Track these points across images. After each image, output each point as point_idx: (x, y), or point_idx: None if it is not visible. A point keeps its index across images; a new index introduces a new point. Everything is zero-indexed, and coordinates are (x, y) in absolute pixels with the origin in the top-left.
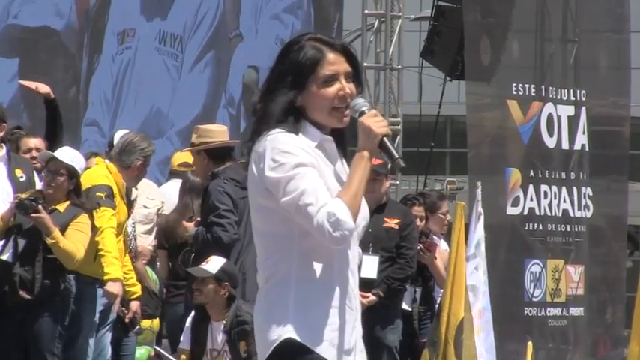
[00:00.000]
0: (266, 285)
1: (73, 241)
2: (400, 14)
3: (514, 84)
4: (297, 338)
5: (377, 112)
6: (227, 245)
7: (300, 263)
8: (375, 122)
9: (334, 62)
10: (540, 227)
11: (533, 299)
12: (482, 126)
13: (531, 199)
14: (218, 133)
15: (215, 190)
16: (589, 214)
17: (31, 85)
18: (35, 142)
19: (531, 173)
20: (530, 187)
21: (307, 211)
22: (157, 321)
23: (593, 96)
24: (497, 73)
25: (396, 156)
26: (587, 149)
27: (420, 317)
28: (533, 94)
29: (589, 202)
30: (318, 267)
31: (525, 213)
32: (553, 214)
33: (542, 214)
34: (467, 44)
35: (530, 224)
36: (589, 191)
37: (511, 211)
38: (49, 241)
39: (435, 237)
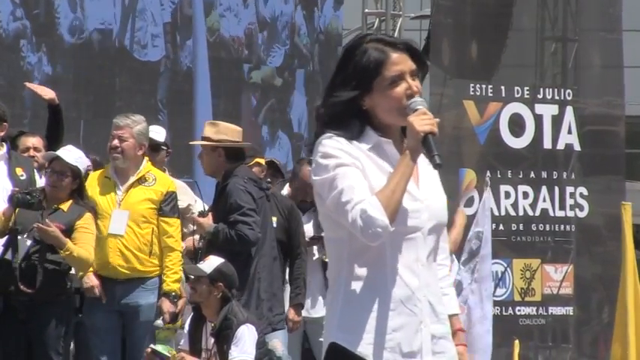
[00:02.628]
0: (329, 290)
1: (83, 244)
2: (400, 13)
3: (471, 85)
4: (340, 342)
5: (426, 110)
6: (253, 243)
7: (349, 266)
8: (419, 120)
9: (398, 62)
10: (501, 227)
11: (495, 298)
12: (441, 126)
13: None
14: (237, 132)
15: (236, 188)
16: (582, 214)
17: (36, 89)
18: (34, 141)
19: (488, 173)
20: (489, 188)
21: (344, 209)
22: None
23: (586, 95)
24: (456, 74)
25: (434, 152)
26: (575, 148)
27: None
28: (490, 94)
29: (581, 202)
30: (367, 270)
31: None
32: (520, 214)
33: (504, 214)
34: (432, 45)
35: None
36: (582, 190)
37: (464, 211)
38: (62, 254)
39: None
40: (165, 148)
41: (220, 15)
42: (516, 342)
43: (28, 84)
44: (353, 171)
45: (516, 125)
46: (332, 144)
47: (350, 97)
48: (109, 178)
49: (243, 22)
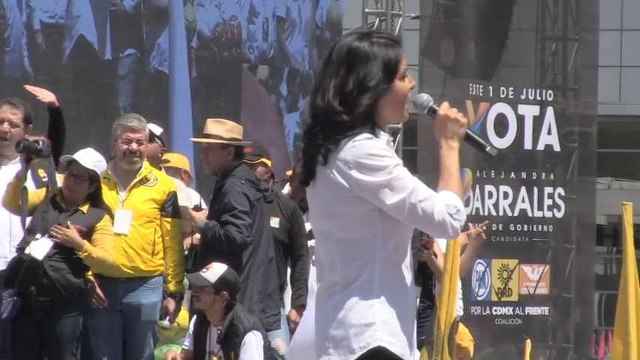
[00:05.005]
0: (343, 292)
1: (103, 245)
2: (401, 12)
3: (471, 84)
4: (388, 347)
5: (448, 104)
6: (239, 247)
7: (383, 268)
8: (457, 113)
9: (404, 57)
10: (485, 227)
11: (478, 298)
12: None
13: (477, 199)
14: (242, 131)
15: (232, 189)
16: (560, 214)
17: (35, 91)
18: None
19: (477, 173)
20: (477, 188)
21: (423, 208)
22: (184, 318)
23: (566, 96)
24: (459, 74)
25: (485, 144)
26: (555, 149)
27: (419, 315)
28: (481, 94)
29: (559, 202)
30: (398, 271)
31: (473, 213)
32: (501, 214)
33: (487, 214)
34: (431, 45)
35: (476, 224)
36: (560, 191)
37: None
38: (81, 255)
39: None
40: (158, 141)
41: (199, 5)
42: (528, 341)
43: (27, 86)
44: (408, 171)
45: (500, 125)
46: (379, 145)
47: (381, 93)
48: (109, 179)
49: (227, 14)
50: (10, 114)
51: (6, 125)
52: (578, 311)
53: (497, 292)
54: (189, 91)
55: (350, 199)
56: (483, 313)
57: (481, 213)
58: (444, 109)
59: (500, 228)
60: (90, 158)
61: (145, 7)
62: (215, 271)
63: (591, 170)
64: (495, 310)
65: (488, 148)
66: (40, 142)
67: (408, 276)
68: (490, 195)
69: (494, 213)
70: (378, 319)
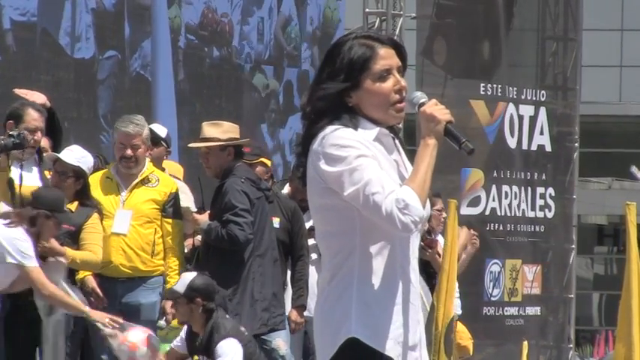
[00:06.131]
0: (329, 285)
1: (90, 244)
2: (401, 13)
3: (482, 84)
4: (361, 338)
5: (436, 101)
6: (242, 244)
7: (363, 261)
8: (438, 110)
9: (386, 57)
10: (501, 227)
11: (492, 299)
12: None
13: (493, 199)
14: (238, 130)
15: (232, 188)
16: (550, 214)
17: (25, 94)
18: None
19: (495, 173)
20: (493, 188)
21: (374, 200)
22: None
23: (566, 97)
24: (463, 74)
25: (463, 139)
26: (546, 149)
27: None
28: (499, 94)
29: (550, 202)
30: (381, 264)
31: (487, 213)
32: (512, 214)
33: (503, 214)
34: (432, 45)
35: (492, 224)
36: (551, 191)
37: (467, 210)
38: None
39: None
40: (164, 144)
41: (187, 3)
42: (525, 343)
43: (17, 90)
44: (374, 163)
45: (512, 126)
46: (347, 135)
47: (338, 89)
48: (111, 179)
49: (218, 12)
50: (40, 122)
51: (39, 135)
52: (562, 311)
53: (508, 292)
54: (173, 95)
55: (324, 191)
56: (496, 314)
57: (498, 213)
58: (427, 106)
59: (512, 228)
60: (74, 154)
61: (127, 5)
62: (184, 280)
63: (573, 170)
64: (507, 311)
65: (463, 144)
66: (15, 135)
67: (402, 270)
68: (506, 195)
69: (509, 213)
70: (354, 312)
